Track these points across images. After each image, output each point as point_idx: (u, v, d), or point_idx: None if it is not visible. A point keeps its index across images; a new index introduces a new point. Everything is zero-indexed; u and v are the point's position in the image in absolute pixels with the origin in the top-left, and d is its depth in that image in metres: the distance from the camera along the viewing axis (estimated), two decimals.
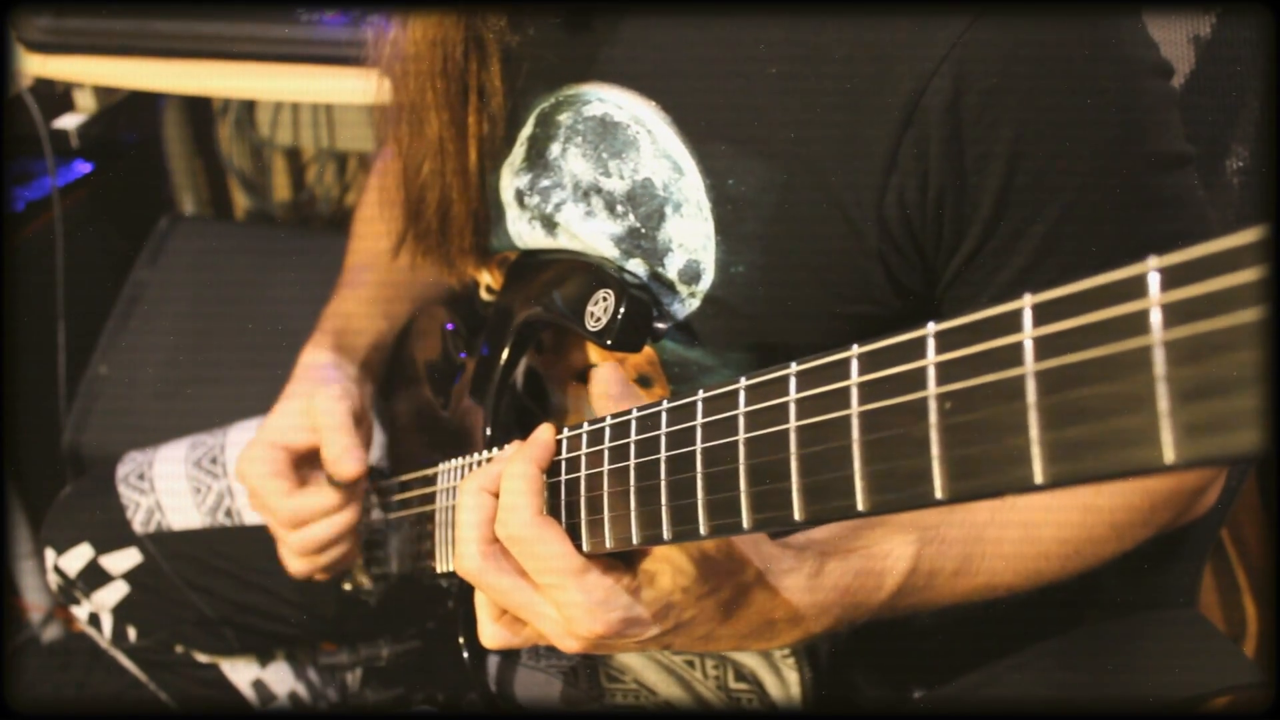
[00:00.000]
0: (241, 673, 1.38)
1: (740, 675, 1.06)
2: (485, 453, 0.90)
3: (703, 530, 0.62)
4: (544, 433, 0.76)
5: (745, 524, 0.59)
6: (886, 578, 0.81)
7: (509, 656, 1.05)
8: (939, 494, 0.46)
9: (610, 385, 0.77)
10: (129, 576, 1.30)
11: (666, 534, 0.65)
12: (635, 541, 0.68)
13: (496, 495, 0.75)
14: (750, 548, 0.76)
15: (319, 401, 1.08)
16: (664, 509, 0.65)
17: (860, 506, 0.51)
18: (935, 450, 0.47)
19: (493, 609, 0.79)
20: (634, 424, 0.69)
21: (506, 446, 0.80)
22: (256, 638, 1.35)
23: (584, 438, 0.73)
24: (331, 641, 1.36)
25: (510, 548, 0.73)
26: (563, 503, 0.74)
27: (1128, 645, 0.98)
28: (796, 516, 0.55)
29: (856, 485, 0.51)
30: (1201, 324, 0.36)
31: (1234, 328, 0.36)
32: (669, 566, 0.73)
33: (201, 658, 1.36)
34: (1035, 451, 0.42)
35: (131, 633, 1.33)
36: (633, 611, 0.72)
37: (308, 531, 1.08)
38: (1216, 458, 0.36)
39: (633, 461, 0.68)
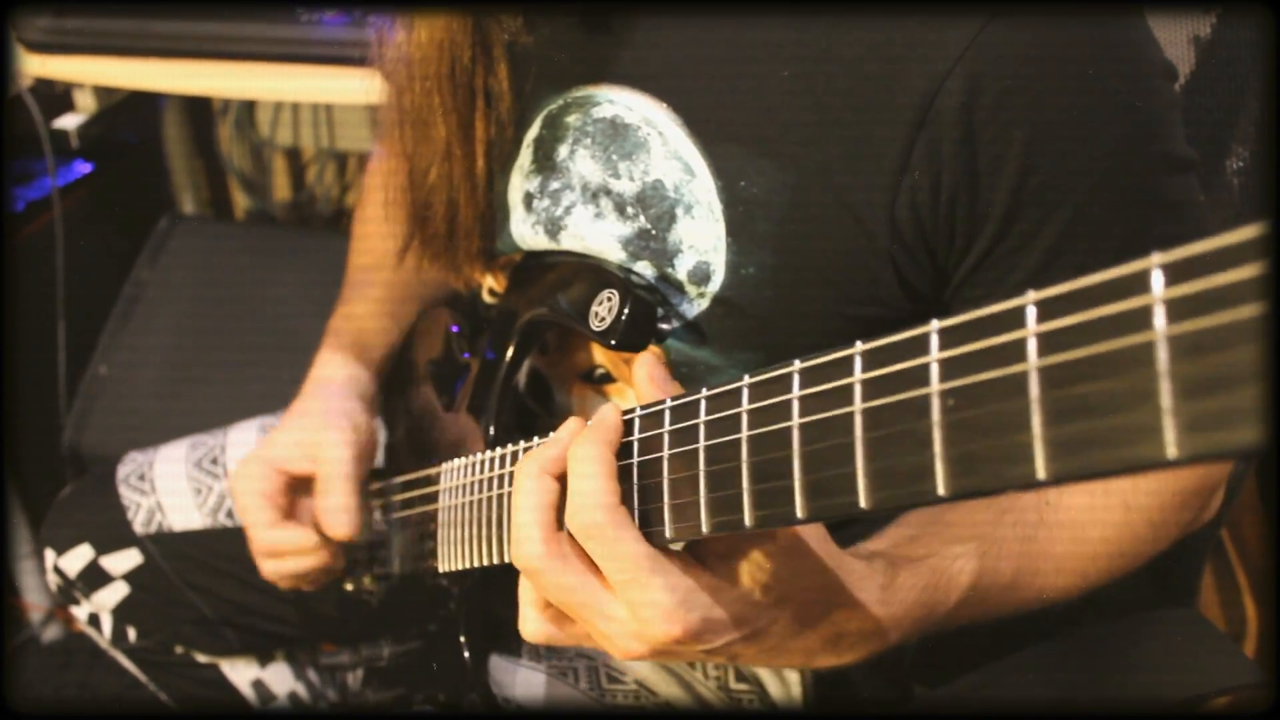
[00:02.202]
0: (241, 673, 1.38)
1: (741, 675, 1.06)
2: (489, 452, 0.90)
3: (704, 528, 0.62)
4: (612, 413, 0.70)
5: (746, 521, 0.59)
6: (953, 590, 0.79)
7: (510, 657, 1.06)
8: (941, 491, 0.46)
9: (653, 370, 0.74)
10: (129, 577, 1.30)
11: (669, 532, 0.65)
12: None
13: (558, 479, 0.70)
14: (823, 554, 0.71)
15: (326, 449, 1.10)
16: (666, 507, 0.66)
17: (863, 504, 0.51)
18: (938, 447, 0.47)
19: (539, 605, 0.74)
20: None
21: (564, 426, 0.74)
22: (257, 638, 1.35)
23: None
24: (332, 642, 1.36)
25: (584, 539, 0.67)
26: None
27: (1128, 645, 0.98)
28: (799, 514, 0.55)
29: (859, 482, 0.51)
30: (1204, 319, 0.37)
31: (1237, 323, 0.36)
32: (748, 564, 0.68)
33: (201, 658, 1.36)
34: (1038, 448, 0.42)
35: (131, 633, 1.33)
36: (712, 613, 0.67)
37: (281, 564, 1.13)
38: (1219, 453, 0.36)
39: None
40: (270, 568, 1.14)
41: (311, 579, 1.16)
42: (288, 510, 1.13)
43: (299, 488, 1.14)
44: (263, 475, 1.11)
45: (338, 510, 1.08)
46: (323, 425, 1.12)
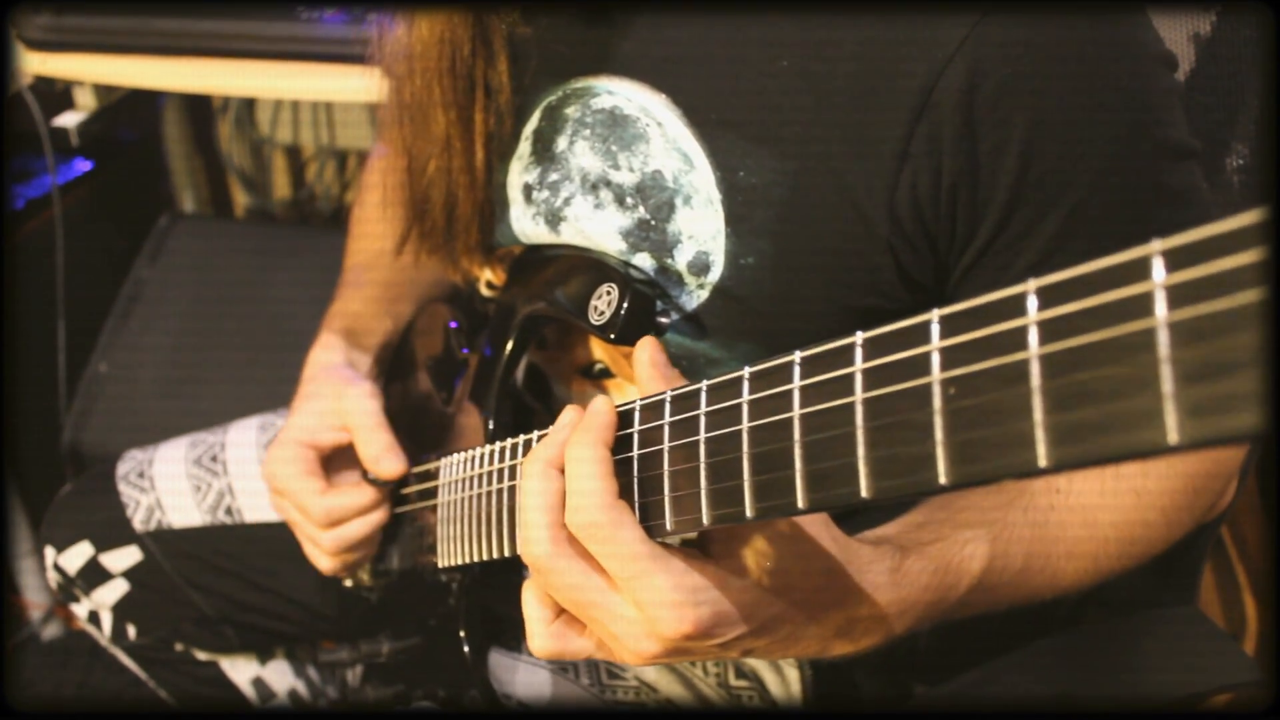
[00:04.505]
0: (241, 670, 1.38)
1: (741, 673, 1.06)
2: (488, 447, 0.90)
3: (705, 520, 0.62)
4: (604, 406, 0.70)
5: (748, 513, 0.59)
6: (964, 574, 0.78)
7: (511, 652, 1.05)
8: (943, 479, 0.46)
9: (654, 355, 0.73)
10: (129, 575, 1.30)
11: (670, 525, 0.65)
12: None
13: (564, 472, 0.69)
14: (827, 539, 0.70)
15: (350, 401, 1.10)
16: (666, 500, 0.65)
17: (864, 494, 0.51)
18: (939, 436, 0.47)
19: (548, 611, 0.73)
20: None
21: (562, 416, 0.73)
22: (256, 635, 1.35)
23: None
24: (331, 639, 1.36)
25: (585, 540, 0.66)
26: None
27: (1128, 644, 0.98)
28: (800, 504, 0.55)
29: (860, 471, 0.51)
30: (1205, 305, 0.37)
31: (1237, 309, 0.36)
32: (753, 554, 0.67)
33: (201, 656, 1.36)
34: (1039, 435, 0.42)
35: (131, 631, 1.33)
36: (721, 606, 0.66)
37: (344, 530, 1.10)
38: (1220, 438, 0.36)
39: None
40: (330, 539, 1.10)
41: (369, 552, 1.14)
42: (329, 482, 1.12)
43: (331, 461, 1.13)
44: (297, 455, 1.10)
45: (382, 455, 1.07)
46: (340, 391, 1.11)
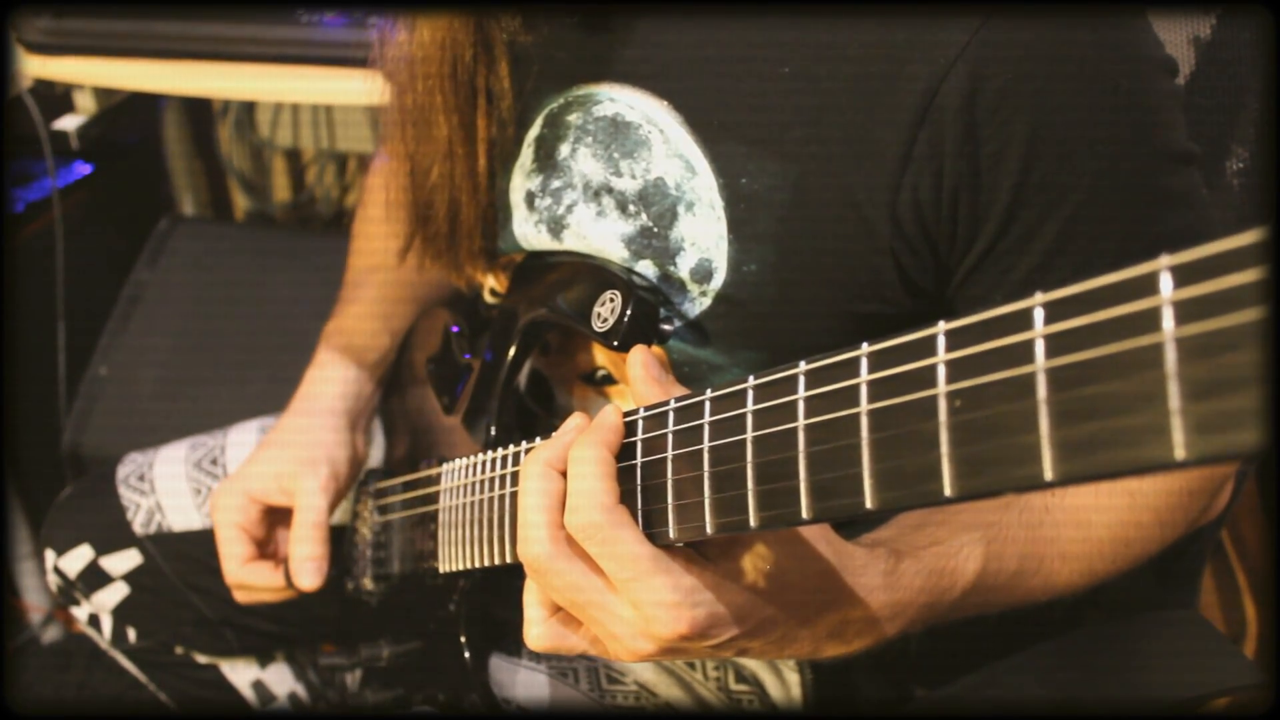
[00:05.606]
0: (241, 674, 1.38)
1: (741, 676, 1.06)
2: (490, 453, 0.90)
3: (709, 529, 0.62)
4: (613, 414, 0.70)
5: (752, 522, 0.59)
6: (959, 577, 0.79)
7: (510, 657, 1.05)
8: (948, 491, 0.46)
9: (647, 362, 0.73)
10: (129, 578, 1.30)
11: (673, 533, 0.65)
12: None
13: (564, 475, 0.69)
14: (822, 542, 0.71)
15: (301, 495, 1.13)
16: (670, 508, 0.65)
17: (868, 504, 0.51)
18: (944, 448, 0.47)
19: (545, 606, 0.74)
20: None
21: (568, 422, 0.73)
22: (256, 639, 1.35)
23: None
24: (331, 642, 1.36)
25: (583, 540, 0.66)
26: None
27: (1128, 645, 0.98)
28: (804, 515, 0.55)
29: (865, 483, 0.51)
30: (1213, 321, 0.37)
31: (1246, 325, 0.36)
32: (750, 556, 0.68)
33: (201, 659, 1.36)
34: (1045, 449, 0.42)
35: (131, 634, 1.33)
36: (717, 608, 0.66)
37: (250, 595, 1.17)
38: (1226, 454, 0.36)
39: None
40: (240, 596, 1.18)
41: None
42: (264, 539, 1.17)
43: (275, 516, 1.17)
44: (239, 507, 1.14)
45: (305, 560, 1.10)
46: (301, 467, 1.14)
